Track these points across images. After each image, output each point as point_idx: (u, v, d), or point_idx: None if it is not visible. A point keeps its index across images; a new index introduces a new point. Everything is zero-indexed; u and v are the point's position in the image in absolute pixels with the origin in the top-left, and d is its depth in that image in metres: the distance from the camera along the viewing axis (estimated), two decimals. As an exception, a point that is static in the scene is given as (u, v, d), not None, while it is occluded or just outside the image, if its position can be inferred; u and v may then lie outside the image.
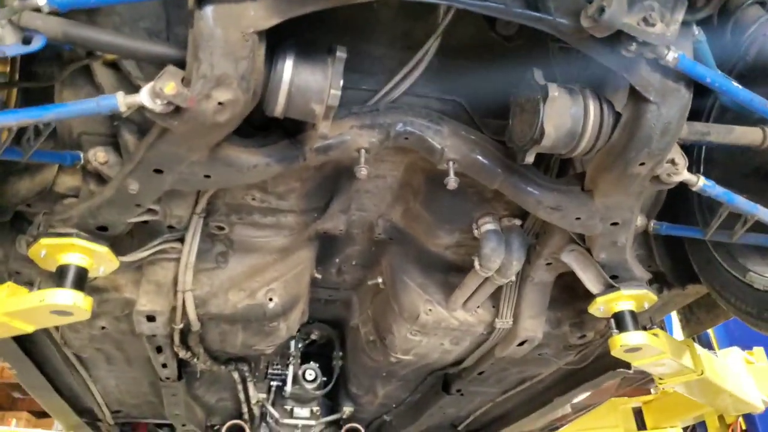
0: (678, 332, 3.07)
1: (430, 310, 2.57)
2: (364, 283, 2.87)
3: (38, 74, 1.78)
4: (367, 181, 2.30)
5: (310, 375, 3.43)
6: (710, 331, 5.21)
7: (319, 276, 2.69)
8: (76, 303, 1.82)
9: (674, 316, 3.12)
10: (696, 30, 1.69)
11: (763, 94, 1.85)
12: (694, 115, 1.97)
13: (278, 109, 1.59)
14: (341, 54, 1.58)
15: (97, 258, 1.92)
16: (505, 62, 2.00)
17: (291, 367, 3.41)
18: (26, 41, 1.32)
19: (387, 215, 2.50)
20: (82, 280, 1.91)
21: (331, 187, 2.29)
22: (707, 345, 4.13)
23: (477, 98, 2.07)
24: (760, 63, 1.86)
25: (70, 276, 1.87)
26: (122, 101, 1.45)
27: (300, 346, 3.46)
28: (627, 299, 2.26)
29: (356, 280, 2.94)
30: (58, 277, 1.89)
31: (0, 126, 1.43)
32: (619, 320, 2.28)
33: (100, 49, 1.56)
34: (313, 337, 3.56)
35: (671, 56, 1.49)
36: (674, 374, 2.51)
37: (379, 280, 2.72)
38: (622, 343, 2.22)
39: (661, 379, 2.63)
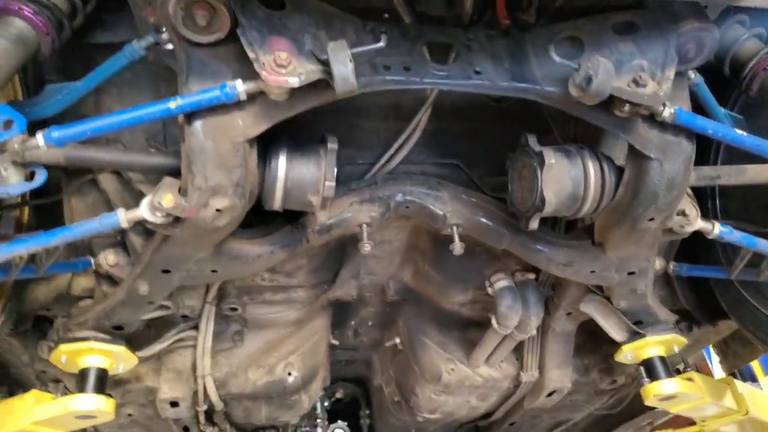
0: (717, 365, 2.95)
1: (452, 369, 2.52)
2: (383, 343, 2.84)
3: (48, 187, 1.83)
4: (374, 247, 2.29)
5: (339, 434, 3.39)
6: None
7: (336, 342, 2.67)
8: (99, 407, 1.84)
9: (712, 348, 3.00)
10: (692, 74, 1.67)
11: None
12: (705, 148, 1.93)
13: (276, 203, 1.60)
14: (332, 145, 1.59)
15: (115, 357, 1.94)
16: (497, 120, 2.00)
17: (319, 429, 3.37)
18: (29, 177, 1.36)
19: (397, 277, 2.48)
20: (103, 381, 1.94)
21: (339, 257, 2.29)
22: (750, 376, 3.95)
23: (474, 158, 2.06)
24: (762, 97, 1.81)
25: (92, 378, 1.90)
26: (124, 218, 1.48)
27: (326, 404, 3.43)
28: (655, 345, 2.19)
29: (374, 341, 2.91)
30: (80, 380, 1.91)
31: (12, 255, 1.46)
32: (649, 367, 2.20)
33: (100, 166, 1.61)
34: (338, 395, 3.53)
35: (667, 112, 1.47)
36: (717, 416, 2.40)
37: (397, 340, 2.69)
38: (654, 393, 2.14)
39: (703, 422, 2.51)
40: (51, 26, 1.52)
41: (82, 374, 1.91)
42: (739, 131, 1.55)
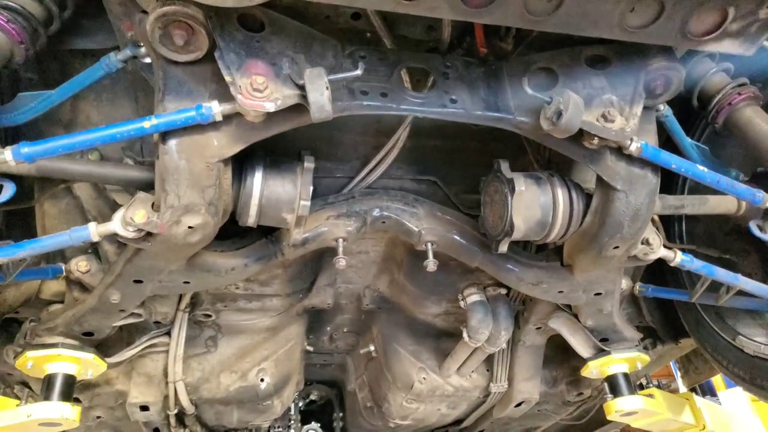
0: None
1: (424, 378, 2.56)
2: (357, 349, 2.87)
3: (21, 190, 1.82)
4: (351, 256, 2.31)
5: (312, 435, 3.42)
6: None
7: (311, 348, 2.70)
8: (63, 415, 1.83)
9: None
10: (661, 106, 1.71)
11: (734, 151, 1.87)
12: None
13: (250, 220, 1.61)
14: (309, 164, 1.60)
15: (84, 364, 1.94)
16: (475, 139, 2.02)
17: (292, 430, 3.39)
18: (-4, 191, 1.35)
19: (373, 286, 2.51)
20: (70, 387, 1.93)
21: (315, 266, 2.30)
22: (710, 390, 4.08)
23: (450, 175, 2.09)
24: (728, 129, 1.87)
25: (58, 385, 1.89)
26: (95, 231, 1.48)
27: (300, 405, 3.46)
28: (619, 362, 2.25)
29: (349, 346, 2.95)
30: (45, 386, 1.90)
31: (-25, 266, 1.45)
32: (613, 384, 2.27)
33: (73, 178, 1.60)
34: (313, 397, 3.56)
35: (634, 146, 1.51)
36: (676, 431, 2.48)
37: (371, 348, 2.72)
38: (616, 408, 2.20)
39: (663, 435, 2.59)
40: (25, 34, 1.51)
41: (48, 380, 1.89)
42: (700, 167, 1.59)
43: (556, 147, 1.55)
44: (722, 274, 1.81)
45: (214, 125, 1.37)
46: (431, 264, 1.90)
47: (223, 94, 1.34)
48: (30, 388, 2.21)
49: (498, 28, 1.58)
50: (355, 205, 1.92)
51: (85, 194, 1.83)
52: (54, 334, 1.91)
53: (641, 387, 2.69)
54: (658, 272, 2.33)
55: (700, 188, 1.92)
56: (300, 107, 1.35)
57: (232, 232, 1.87)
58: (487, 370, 2.61)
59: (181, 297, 2.11)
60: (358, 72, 1.36)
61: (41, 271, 1.83)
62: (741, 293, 1.93)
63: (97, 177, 1.56)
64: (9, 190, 1.38)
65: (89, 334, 1.94)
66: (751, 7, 1.26)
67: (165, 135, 1.37)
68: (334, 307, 2.61)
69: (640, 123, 1.49)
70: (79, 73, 1.60)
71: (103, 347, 2.05)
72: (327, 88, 1.29)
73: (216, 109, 1.33)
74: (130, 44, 1.51)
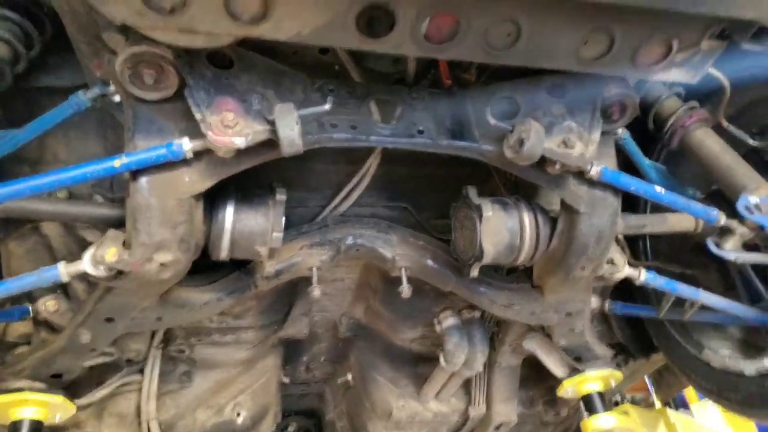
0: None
1: (402, 405, 2.56)
2: (335, 377, 2.86)
3: None
4: (326, 284, 2.32)
5: (290, 468, 3.36)
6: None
7: (287, 380, 2.67)
8: (29, 466, 1.76)
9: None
10: (619, 130, 1.78)
11: (691, 168, 1.95)
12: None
13: (222, 254, 1.61)
14: (281, 197, 1.62)
15: (51, 408, 1.87)
16: (444, 165, 2.07)
17: (272, 464, 3.33)
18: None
19: (349, 313, 2.52)
20: (37, 432, 1.87)
21: (289, 296, 2.30)
22: (682, 403, 4.17)
23: (421, 201, 2.13)
24: (682, 149, 1.95)
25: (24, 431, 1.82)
26: (64, 271, 1.46)
27: (279, 438, 3.40)
28: (593, 380, 2.29)
29: (326, 375, 2.93)
30: (11, 433, 1.83)
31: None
32: (588, 402, 2.30)
33: (41, 218, 1.58)
34: (291, 429, 3.49)
35: (594, 170, 1.57)
36: (651, 445, 2.52)
37: (349, 377, 2.72)
38: (592, 428, 2.23)
39: (639, 450, 2.63)
40: (-10, 75, 1.51)
41: (14, 427, 1.82)
42: (658, 188, 1.66)
43: (520, 173, 1.61)
44: (684, 289, 1.87)
45: (185, 162, 1.38)
46: (406, 289, 1.93)
47: (193, 130, 1.35)
48: (-4, 434, 2.13)
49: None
50: (329, 233, 1.94)
51: (53, 232, 1.81)
52: (20, 377, 1.84)
53: (616, 404, 2.73)
54: (627, 289, 2.39)
55: (661, 206, 2.00)
56: (270, 141, 1.37)
57: (203, 266, 1.87)
58: (466, 394, 2.63)
59: (153, 333, 2.08)
60: (327, 107, 1.40)
61: (7, 313, 1.79)
62: (705, 308, 2.00)
63: (67, 216, 1.54)
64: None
65: (58, 375, 1.89)
66: (693, 39, 1.35)
67: (136, 173, 1.37)
68: (310, 337, 2.61)
69: (599, 147, 1.56)
70: (45, 110, 1.59)
71: (72, 388, 1.99)
72: (297, 123, 1.32)
73: (187, 146, 1.34)
74: (99, 83, 1.51)
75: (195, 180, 1.40)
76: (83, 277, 1.75)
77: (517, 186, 2.06)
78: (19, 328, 1.97)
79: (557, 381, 2.39)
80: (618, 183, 1.61)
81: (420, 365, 2.61)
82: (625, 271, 1.82)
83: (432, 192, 2.13)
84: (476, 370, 2.35)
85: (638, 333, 2.50)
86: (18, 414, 1.82)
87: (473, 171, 2.07)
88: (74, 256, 1.73)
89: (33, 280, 1.45)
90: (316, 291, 1.87)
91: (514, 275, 2.09)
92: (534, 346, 2.30)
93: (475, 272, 1.75)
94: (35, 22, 1.64)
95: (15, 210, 1.46)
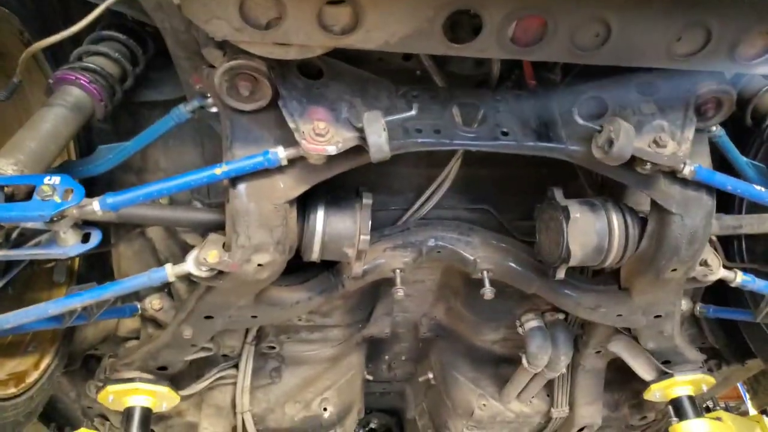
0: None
1: (484, 405, 2.55)
2: (416, 376, 2.89)
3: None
4: (407, 287, 2.35)
5: (372, 464, 3.44)
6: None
7: (370, 377, 2.74)
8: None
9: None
10: (714, 127, 1.71)
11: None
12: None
13: (314, 256, 1.69)
14: (367, 200, 1.68)
15: (159, 397, 2.04)
16: (526, 166, 2.05)
17: (353, 459, 3.41)
18: (85, 239, 1.48)
19: (430, 314, 2.54)
20: (147, 419, 2.04)
21: (373, 296, 2.36)
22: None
23: (504, 203, 2.12)
24: None
25: (136, 418, 2.00)
26: (171, 272, 1.59)
27: (361, 434, 3.49)
28: (683, 384, 2.20)
29: (407, 374, 2.97)
30: (125, 419, 2.01)
31: (68, 309, 1.57)
32: (678, 407, 2.21)
33: (148, 223, 1.72)
34: (373, 425, 3.57)
35: (688, 170, 1.51)
36: (747, 455, 2.38)
37: (430, 375, 2.74)
38: (682, 433, 2.15)
39: (734, 460, 2.49)
40: (104, 92, 1.66)
41: (128, 413, 2.00)
42: (757, 187, 1.58)
43: (609, 173, 1.57)
44: (786, 292, 1.77)
45: (279, 169, 1.46)
46: (488, 292, 1.93)
47: (287, 139, 1.44)
48: (109, 420, 2.33)
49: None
50: (411, 236, 1.97)
51: (157, 236, 1.96)
52: (131, 368, 2.02)
53: (707, 410, 2.60)
54: (720, 291, 2.28)
55: (758, 206, 1.89)
56: (359, 148, 1.43)
57: (293, 267, 1.96)
58: (548, 396, 2.58)
59: (247, 330, 2.20)
60: (413, 113, 1.43)
61: (119, 310, 1.96)
62: (810, 310, 1.88)
63: (170, 221, 1.67)
64: (96, 237, 1.50)
65: (163, 368, 2.05)
66: (800, 29, 1.27)
67: (235, 180, 1.47)
68: (392, 336, 2.65)
69: (692, 146, 1.50)
70: (147, 123, 1.73)
71: (175, 380, 2.15)
72: (384, 129, 1.36)
73: (282, 154, 1.42)
74: (197, 96, 1.63)
75: (289, 186, 1.48)
76: (186, 277, 1.90)
77: (604, 186, 2.01)
78: (129, 324, 2.15)
79: (644, 384, 2.31)
80: (712, 182, 1.55)
81: (501, 366, 2.59)
82: (720, 272, 1.74)
83: (514, 193, 2.12)
84: (559, 371, 2.31)
85: (732, 337, 2.37)
86: (131, 402, 1.99)
87: (556, 172, 2.03)
88: (176, 257, 1.89)
89: (144, 280, 1.59)
90: (399, 292, 1.91)
91: (600, 277, 2.04)
92: (620, 348, 2.23)
93: (561, 274, 1.73)
94: (139, 41, 1.80)
95: (129, 216, 1.60)
